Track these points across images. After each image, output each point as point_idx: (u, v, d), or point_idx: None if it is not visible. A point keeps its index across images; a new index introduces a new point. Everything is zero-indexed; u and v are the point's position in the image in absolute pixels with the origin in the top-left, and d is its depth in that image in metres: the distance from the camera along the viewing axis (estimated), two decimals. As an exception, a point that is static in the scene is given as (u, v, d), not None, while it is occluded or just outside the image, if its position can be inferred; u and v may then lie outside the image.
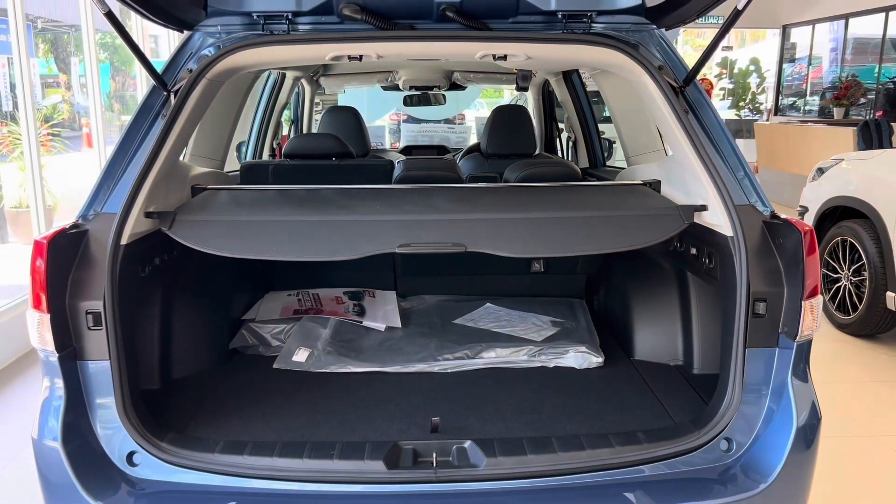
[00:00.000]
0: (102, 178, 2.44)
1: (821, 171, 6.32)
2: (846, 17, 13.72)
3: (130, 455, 2.30)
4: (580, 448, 2.31)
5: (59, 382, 2.25)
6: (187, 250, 2.99)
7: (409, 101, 7.04)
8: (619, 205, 2.83)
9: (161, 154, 2.44)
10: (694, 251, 2.85)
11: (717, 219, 2.49)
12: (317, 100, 6.66)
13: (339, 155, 3.76)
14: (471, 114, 13.47)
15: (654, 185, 3.10)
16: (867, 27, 13.43)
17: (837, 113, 12.46)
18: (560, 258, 3.83)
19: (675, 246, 3.06)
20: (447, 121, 11.38)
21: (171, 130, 2.47)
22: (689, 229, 2.71)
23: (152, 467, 2.29)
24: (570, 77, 5.10)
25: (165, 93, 2.50)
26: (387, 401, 2.74)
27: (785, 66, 15.85)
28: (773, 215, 2.45)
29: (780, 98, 16.03)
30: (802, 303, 2.29)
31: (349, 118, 5.13)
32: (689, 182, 2.71)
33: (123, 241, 2.33)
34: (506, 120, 5.09)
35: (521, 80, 5.17)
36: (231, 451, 2.31)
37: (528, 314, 3.58)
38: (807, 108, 15.19)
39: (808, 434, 2.34)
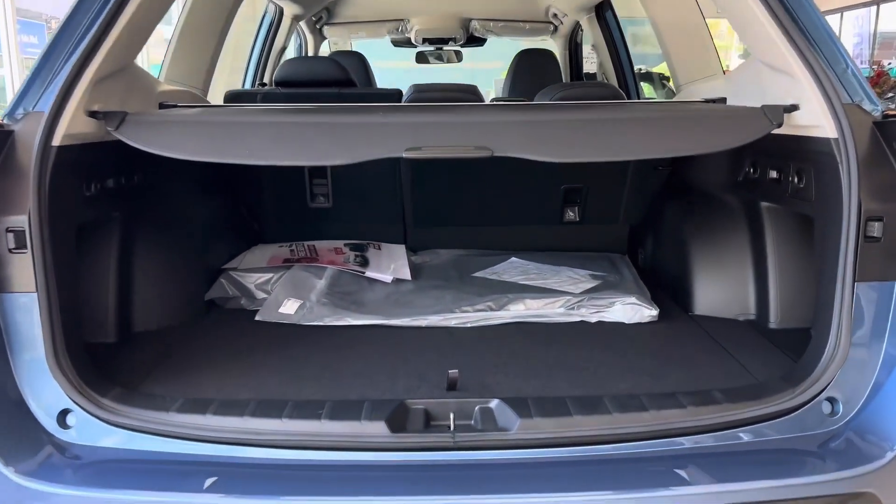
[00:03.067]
0: (36, 70, 1.98)
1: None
2: (877, 2, 13.12)
3: (63, 414, 1.84)
4: (641, 409, 1.83)
5: (-29, 318, 1.80)
6: (152, 176, 2.54)
7: (421, 59, 6.55)
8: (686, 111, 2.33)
9: (107, 40, 1.98)
10: (774, 173, 2.35)
11: (813, 119, 1.99)
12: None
13: (340, 83, 3.28)
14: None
15: (719, 103, 2.61)
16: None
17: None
18: (599, 205, 3.32)
19: (747, 172, 2.56)
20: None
21: (121, 13, 2.00)
22: (769, 146, 2.22)
23: (90, 430, 1.83)
24: (604, 15, 4.60)
25: None
26: (392, 356, 2.27)
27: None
28: (887, 114, 1.95)
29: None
30: None
31: (355, 64, 4.67)
32: (768, 88, 2.21)
33: (56, 141, 1.87)
34: (531, 64, 4.62)
35: None
36: (191, 409, 1.85)
37: (561, 268, 3.09)
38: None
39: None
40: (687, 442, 1.81)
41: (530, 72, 4.61)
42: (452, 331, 2.51)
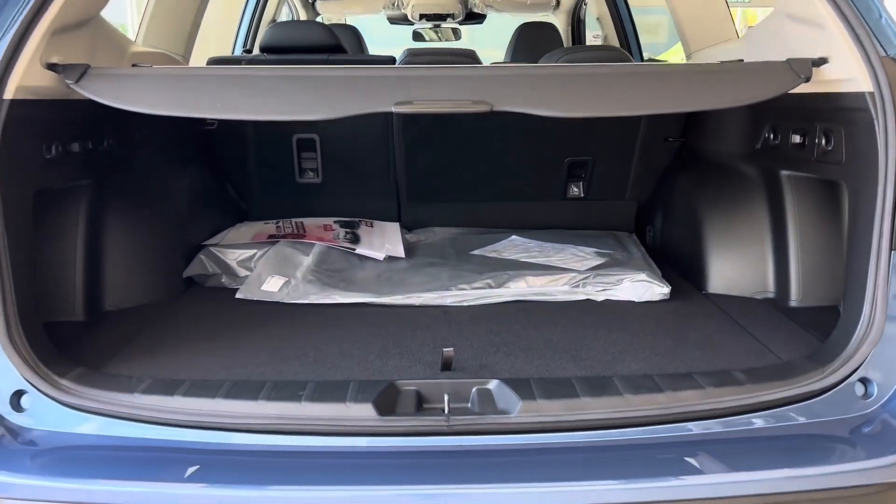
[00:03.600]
0: None
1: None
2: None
3: (17, 396, 1.67)
4: (655, 390, 1.67)
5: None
6: (125, 142, 2.37)
7: (418, 37, 6.35)
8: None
9: None
10: (797, 137, 2.17)
11: (844, 72, 1.82)
12: None
13: (329, 48, 3.10)
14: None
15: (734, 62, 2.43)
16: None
17: None
18: (605, 180, 3.15)
19: (766, 139, 2.39)
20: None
21: None
22: (792, 107, 2.06)
23: (47, 413, 1.67)
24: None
25: None
26: (382, 336, 2.10)
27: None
28: None
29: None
30: None
31: (348, 37, 4.48)
32: (792, 43, 2.04)
33: (8, 94, 1.70)
34: (532, 38, 4.41)
35: None
36: (159, 391, 1.69)
37: (565, 245, 2.92)
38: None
39: None
40: (705, 426, 1.64)
41: (531, 46, 4.41)
42: (448, 310, 2.34)
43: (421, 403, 1.67)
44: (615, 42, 4.55)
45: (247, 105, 1.80)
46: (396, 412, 1.63)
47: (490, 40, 8.32)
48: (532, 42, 4.42)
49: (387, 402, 1.64)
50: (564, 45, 5.30)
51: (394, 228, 3.11)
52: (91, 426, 1.65)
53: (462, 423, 1.58)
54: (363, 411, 1.59)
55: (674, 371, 1.83)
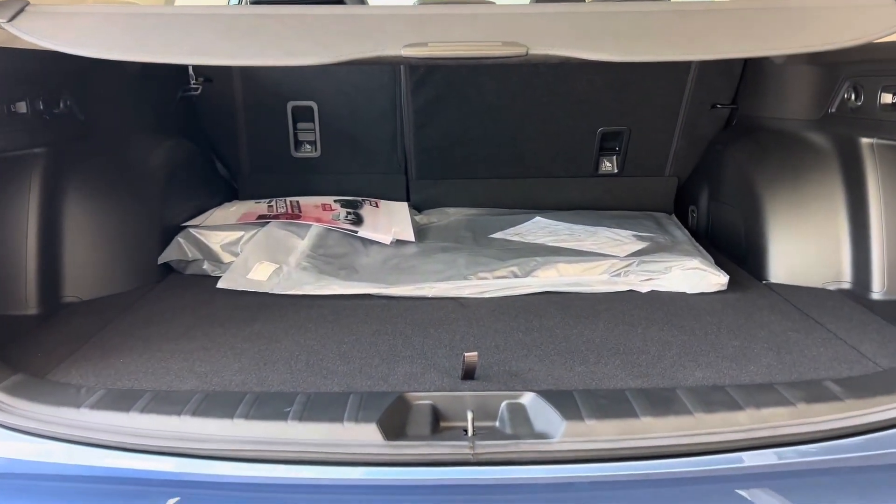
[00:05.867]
0: None
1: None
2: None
3: None
4: (732, 406, 1.34)
5: None
6: (88, 104, 2.05)
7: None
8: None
9: None
10: (890, 97, 1.83)
11: None
12: None
13: None
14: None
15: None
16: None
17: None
18: (642, 153, 2.80)
19: (844, 100, 2.05)
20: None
21: None
22: (883, 59, 1.71)
23: (-31, 432, 1.35)
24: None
25: None
26: (389, 334, 1.78)
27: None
28: None
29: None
30: None
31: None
32: None
33: None
34: None
35: None
36: (112, 405, 1.38)
37: (597, 228, 2.59)
38: None
39: None
40: (801, 453, 1.32)
41: None
42: (466, 302, 2.01)
43: (438, 422, 1.36)
44: None
45: (220, 48, 1.46)
46: (407, 435, 1.31)
47: None
48: None
49: (395, 421, 1.32)
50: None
51: (402, 208, 2.78)
52: (23, 450, 1.33)
53: (490, 450, 1.26)
54: (365, 434, 1.28)
55: (749, 381, 1.51)
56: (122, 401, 1.39)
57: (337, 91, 2.76)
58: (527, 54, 1.39)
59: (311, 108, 2.78)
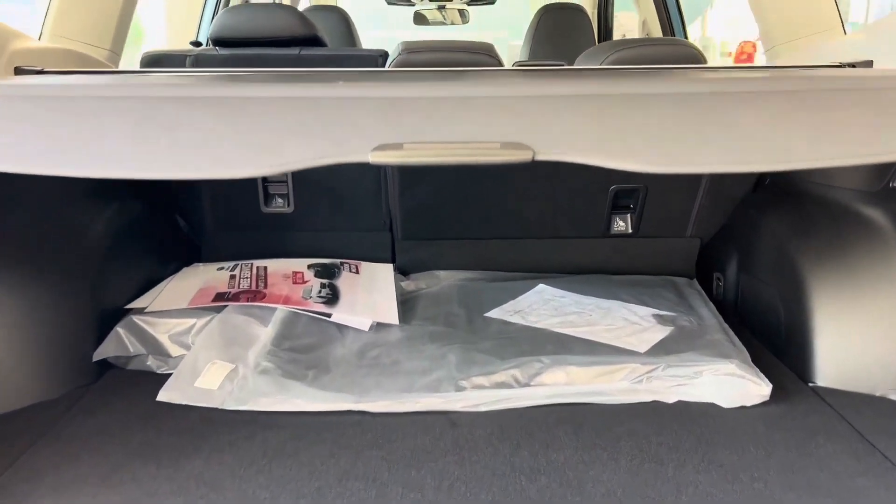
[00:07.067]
0: None
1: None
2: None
3: None
4: None
5: None
6: None
7: (420, 20, 5.66)
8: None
9: None
10: None
11: None
12: None
13: (301, 41, 2.43)
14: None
15: (862, 66, 1.77)
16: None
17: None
18: (661, 212, 2.47)
19: None
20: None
21: None
22: None
23: None
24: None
25: None
26: (360, 478, 1.44)
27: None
28: None
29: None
30: None
31: (334, 22, 3.82)
32: None
33: None
34: (557, 23, 3.74)
35: None
36: None
37: (610, 302, 2.26)
38: None
39: None
40: None
41: (556, 33, 3.73)
42: (458, 419, 1.68)
43: None
44: (656, 27, 3.86)
45: (123, 157, 1.12)
46: None
47: (502, 23, 7.59)
48: (557, 28, 3.75)
49: None
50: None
51: (386, 274, 2.45)
52: None
53: None
54: None
55: None
56: None
57: None
58: (532, 160, 1.06)
59: None
